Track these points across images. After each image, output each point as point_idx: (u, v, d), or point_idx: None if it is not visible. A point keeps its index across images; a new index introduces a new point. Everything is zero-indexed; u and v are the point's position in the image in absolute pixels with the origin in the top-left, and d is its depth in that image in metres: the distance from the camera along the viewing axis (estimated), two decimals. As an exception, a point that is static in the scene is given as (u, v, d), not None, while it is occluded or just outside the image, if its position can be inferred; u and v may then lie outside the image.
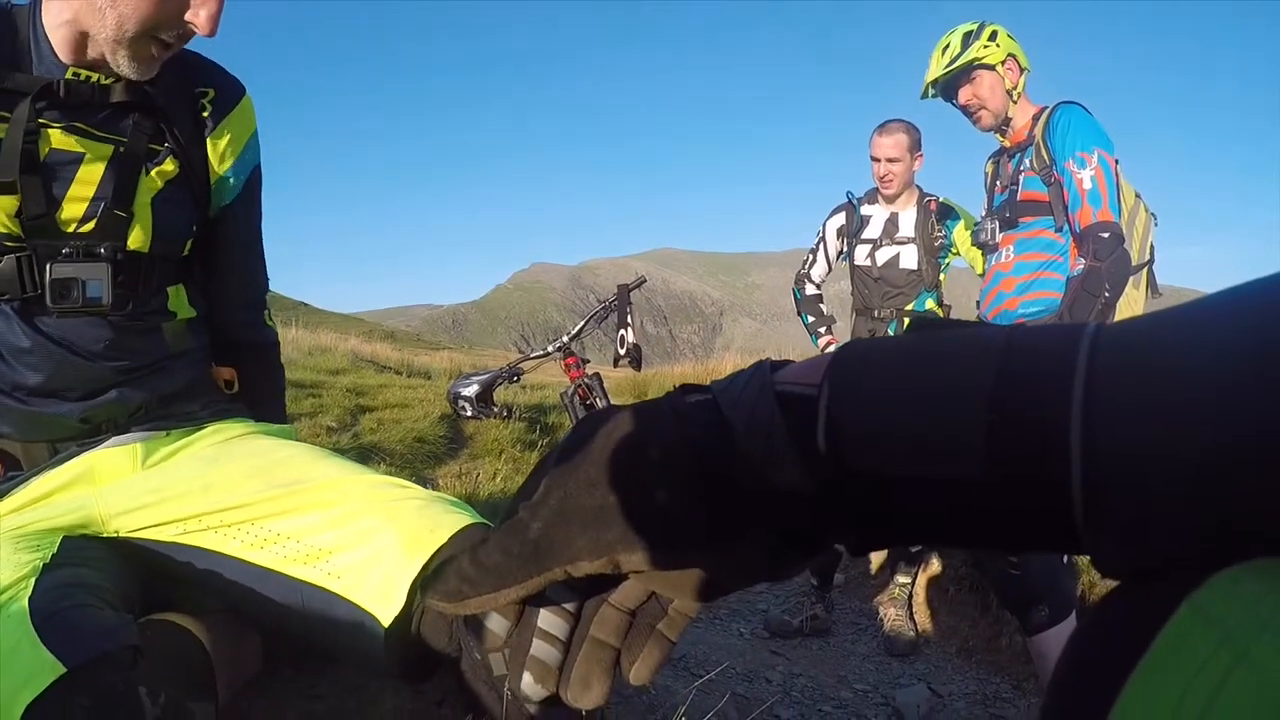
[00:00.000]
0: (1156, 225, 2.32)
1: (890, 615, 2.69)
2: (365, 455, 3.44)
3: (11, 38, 1.01)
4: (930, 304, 2.81)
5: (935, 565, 2.94)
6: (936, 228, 2.73)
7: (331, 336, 9.64)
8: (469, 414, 3.70)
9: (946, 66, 2.27)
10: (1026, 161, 2.25)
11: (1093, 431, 0.25)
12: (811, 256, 3.00)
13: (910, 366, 0.30)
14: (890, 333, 2.72)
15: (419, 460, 3.75)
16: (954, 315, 2.12)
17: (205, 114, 1.15)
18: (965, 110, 2.32)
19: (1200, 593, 0.23)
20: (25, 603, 0.79)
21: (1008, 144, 2.34)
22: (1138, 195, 2.25)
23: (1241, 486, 0.23)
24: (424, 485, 1.05)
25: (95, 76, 1.03)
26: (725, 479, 0.32)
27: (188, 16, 0.98)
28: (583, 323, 3.55)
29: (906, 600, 2.75)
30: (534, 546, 0.34)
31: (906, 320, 2.70)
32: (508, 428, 4.24)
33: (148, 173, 1.08)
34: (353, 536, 0.95)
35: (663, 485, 0.32)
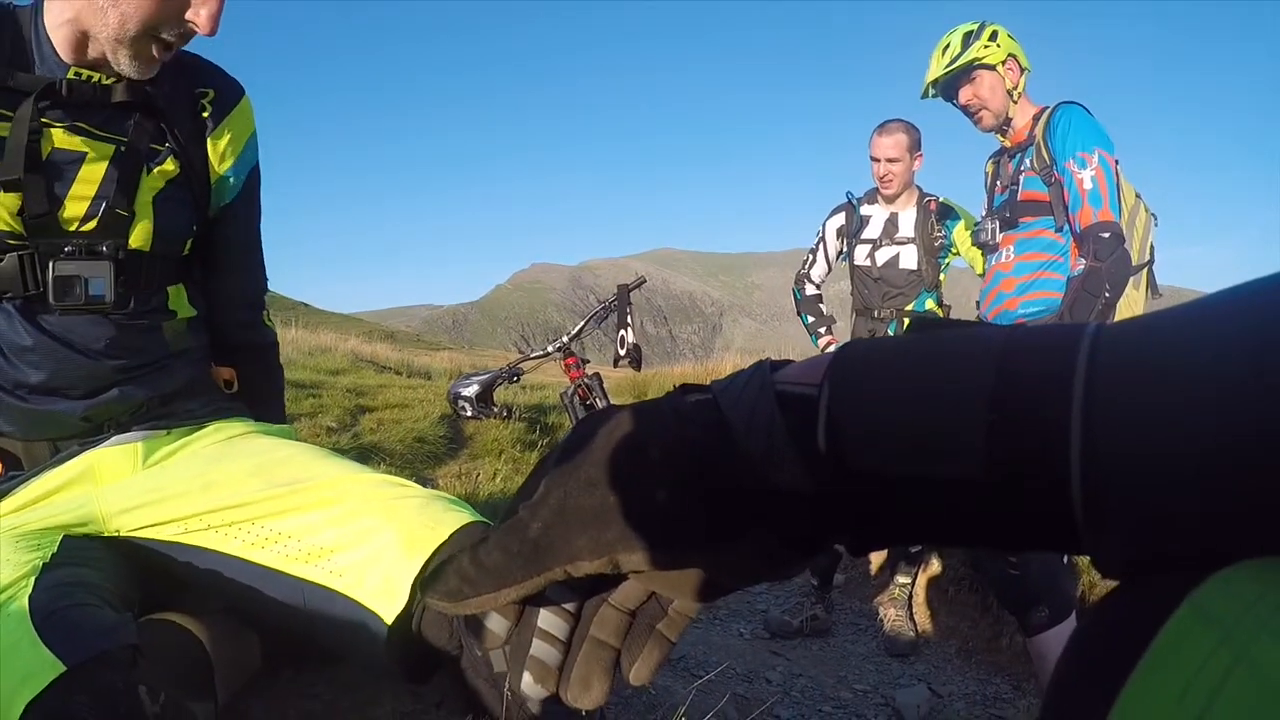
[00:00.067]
0: (1157, 225, 2.32)
1: (890, 616, 2.69)
2: (365, 455, 3.44)
3: (14, 37, 1.02)
4: (930, 304, 2.81)
5: (935, 566, 2.94)
6: (936, 228, 2.73)
7: (331, 337, 9.64)
8: (469, 414, 3.70)
9: (947, 66, 2.27)
10: (1027, 161, 2.25)
11: (1093, 431, 0.25)
12: (811, 257, 3.00)
13: (910, 366, 0.30)
14: (890, 333, 2.72)
15: (419, 460, 3.75)
16: (954, 315, 2.12)
17: (205, 114, 1.15)
18: (966, 110, 2.32)
19: (1200, 592, 0.23)
20: (25, 601, 0.79)
21: (1008, 144, 2.34)
22: (1138, 195, 2.25)
23: (1241, 487, 0.23)
24: (424, 485, 1.05)
25: (97, 76, 1.04)
26: (725, 479, 0.32)
27: (188, 16, 0.99)
28: (583, 323, 3.55)
29: (906, 601, 2.75)
30: (534, 546, 0.34)
31: (906, 320, 2.70)
32: (508, 428, 4.24)
33: (149, 172, 1.08)
34: (353, 535, 0.95)
35: (663, 485, 0.32)
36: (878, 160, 2.71)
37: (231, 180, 1.21)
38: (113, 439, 1.06)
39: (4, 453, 1.04)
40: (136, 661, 0.77)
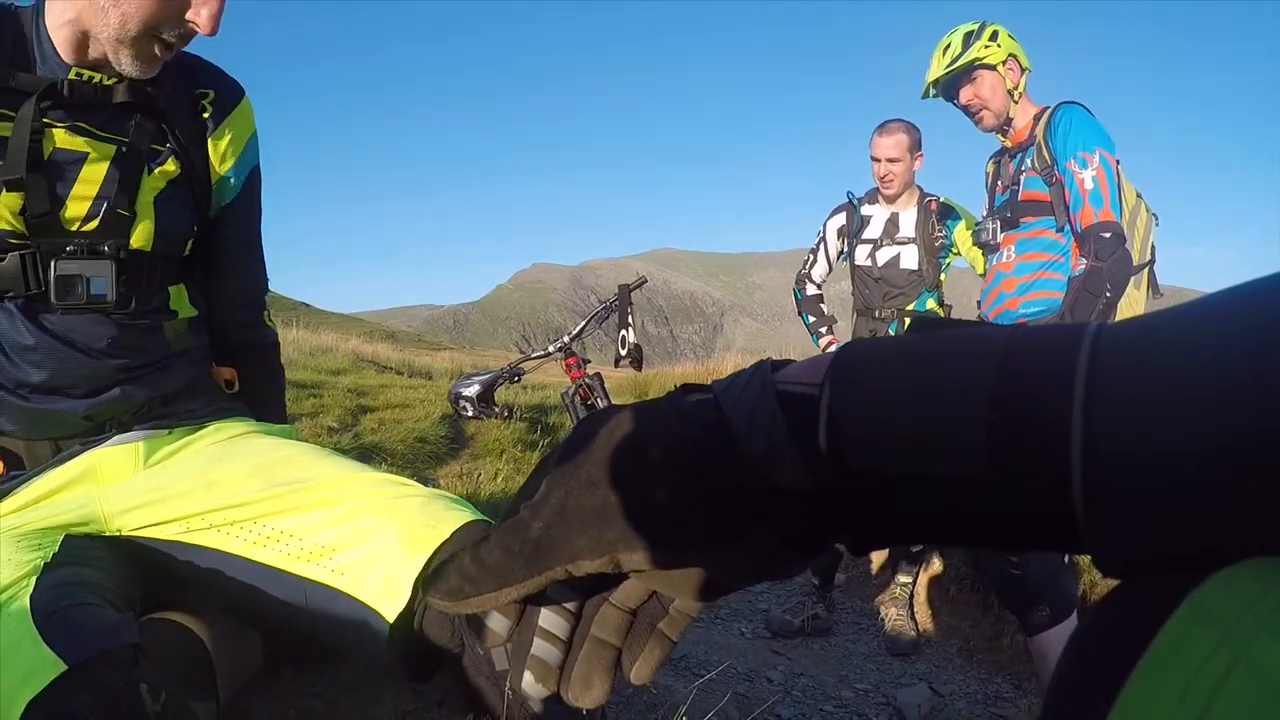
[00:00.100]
0: (1158, 225, 2.31)
1: (891, 615, 2.69)
2: (366, 455, 3.44)
3: (15, 37, 1.02)
4: (931, 304, 2.81)
5: (936, 565, 2.94)
6: (937, 228, 2.73)
7: (332, 337, 9.64)
8: (470, 414, 3.70)
9: (948, 66, 2.27)
10: (1028, 161, 2.25)
11: (1094, 431, 0.25)
12: (812, 257, 2.99)
13: (911, 366, 0.30)
14: (891, 333, 2.72)
15: (420, 460, 3.76)
16: (955, 315, 2.12)
17: (206, 115, 1.16)
18: (966, 110, 2.32)
19: (1200, 592, 0.23)
20: (26, 601, 0.79)
21: (1009, 144, 2.33)
22: (1139, 195, 2.24)
23: (1241, 487, 0.23)
24: (425, 485, 1.05)
25: (98, 77, 1.04)
26: (726, 478, 0.32)
27: (189, 16, 0.99)
28: (584, 323, 3.55)
29: (908, 600, 2.75)
30: (535, 545, 0.34)
31: (907, 320, 2.69)
32: (509, 428, 4.24)
33: (150, 172, 1.09)
34: (355, 534, 0.95)
35: (663, 485, 0.32)
36: (878, 160, 2.71)
37: (232, 180, 1.21)
38: (114, 438, 1.07)
39: (6, 452, 1.05)
40: (138, 660, 0.77)
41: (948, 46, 2.29)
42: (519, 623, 0.39)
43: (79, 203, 1.03)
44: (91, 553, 0.96)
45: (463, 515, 0.96)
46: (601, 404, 3.34)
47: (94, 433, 1.07)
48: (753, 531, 0.32)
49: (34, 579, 0.83)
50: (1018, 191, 2.27)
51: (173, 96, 1.12)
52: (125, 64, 1.01)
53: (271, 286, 1.38)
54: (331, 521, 0.97)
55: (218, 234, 1.23)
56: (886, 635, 2.64)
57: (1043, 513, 0.27)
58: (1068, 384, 0.26)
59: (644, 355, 3.45)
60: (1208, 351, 0.24)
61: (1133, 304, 2.16)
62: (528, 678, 0.38)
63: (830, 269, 2.99)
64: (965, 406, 0.28)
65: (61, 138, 1.02)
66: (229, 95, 1.19)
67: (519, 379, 3.80)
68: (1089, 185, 2.07)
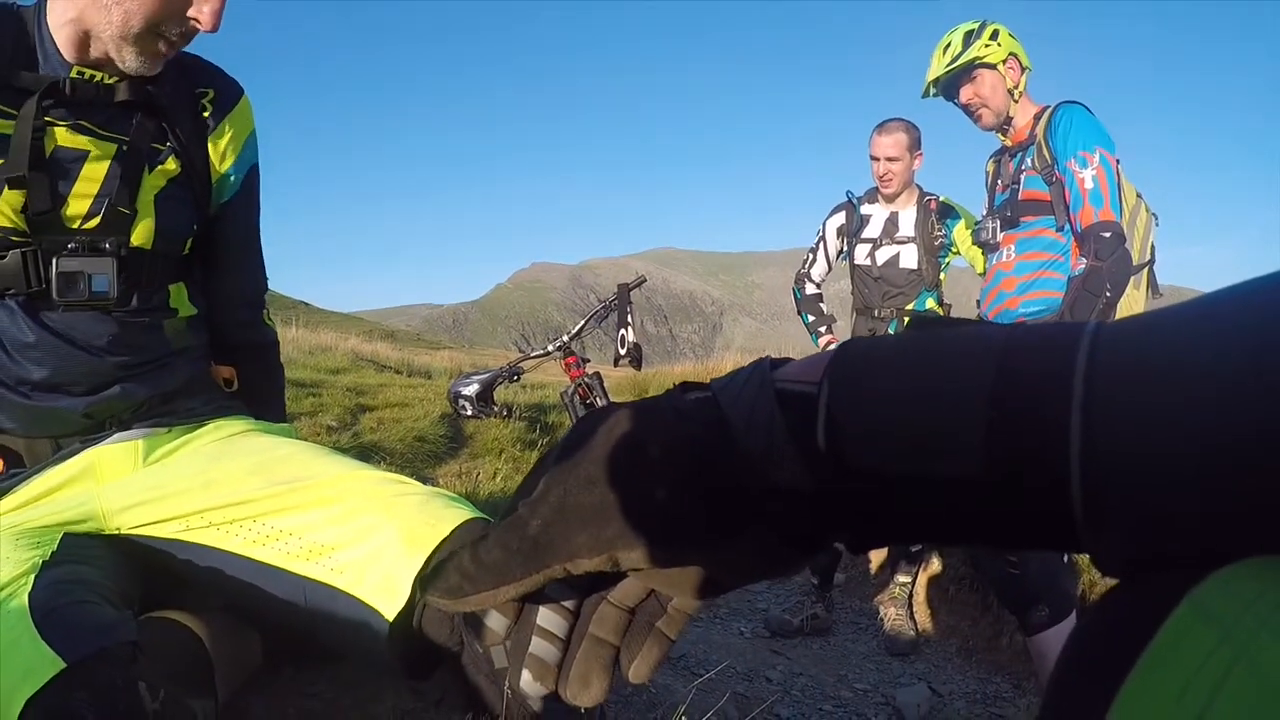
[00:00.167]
0: (1157, 225, 2.31)
1: (890, 615, 2.69)
2: (365, 454, 3.44)
3: (18, 36, 1.02)
4: (930, 303, 2.81)
5: (935, 565, 2.94)
6: (937, 227, 2.73)
7: (332, 336, 9.64)
8: (469, 413, 3.69)
9: (948, 65, 2.26)
10: (1028, 161, 2.25)
11: (1093, 430, 0.25)
12: (811, 256, 2.99)
13: (910, 364, 0.30)
14: (890, 332, 2.72)
15: (419, 459, 3.76)
16: (955, 314, 2.12)
17: (206, 114, 1.16)
18: (966, 109, 2.32)
19: (1199, 591, 0.23)
20: (25, 599, 0.79)
21: (1009, 143, 2.33)
22: (1139, 195, 2.24)
23: (1241, 486, 0.23)
24: (424, 484, 1.05)
25: (100, 76, 1.05)
26: (725, 476, 0.31)
27: (191, 12, 0.99)
28: (583, 322, 3.55)
29: (907, 600, 2.75)
30: (534, 543, 0.34)
31: (906, 320, 2.69)
32: (508, 427, 4.24)
33: (151, 171, 1.09)
34: (354, 533, 0.95)
35: (662, 483, 0.32)
36: (877, 159, 2.71)
37: (232, 178, 1.21)
38: (114, 436, 1.07)
39: (6, 450, 1.05)
40: (136, 658, 0.77)
41: (948, 45, 2.29)
42: (517, 621, 0.39)
43: (80, 201, 1.03)
44: (90, 551, 0.96)
45: (462, 513, 0.96)
46: (600, 403, 3.34)
47: (94, 430, 1.07)
48: (751, 530, 0.32)
49: (33, 577, 0.83)
50: (1018, 191, 2.27)
51: (173, 96, 1.12)
52: (128, 62, 1.02)
53: (271, 285, 1.38)
54: (331, 520, 0.97)
55: (217, 232, 1.23)
56: (885, 635, 2.64)
57: (1042, 512, 0.27)
58: (1067, 383, 0.26)
59: (643, 354, 3.45)
60: (1207, 350, 0.24)
61: (1132, 304, 2.16)
62: (526, 676, 0.38)
63: (829, 268, 2.99)
64: (964, 405, 0.28)
65: (63, 136, 1.02)
66: (228, 94, 1.20)
67: (518, 378, 3.79)
68: (1089, 185, 2.07)
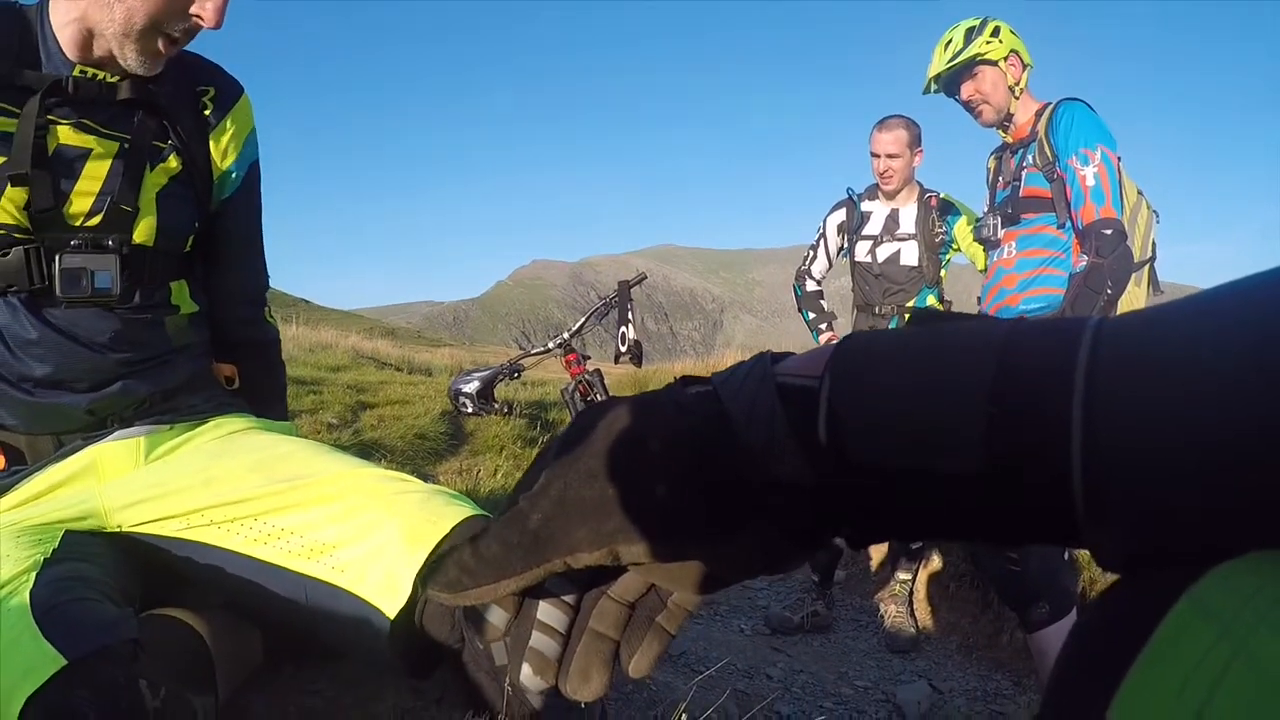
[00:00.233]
0: (1158, 222, 2.31)
1: (891, 612, 2.69)
2: (366, 452, 3.44)
3: (21, 35, 1.03)
4: (931, 300, 2.81)
5: (936, 562, 2.94)
6: (937, 224, 2.72)
7: (332, 333, 9.65)
8: (470, 410, 3.70)
9: (949, 61, 2.26)
10: (1029, 158, 2.24)
11: (1095, 425, 0.25)
12: (812, 253, 2.99)
13: (911, 359, 0.30)
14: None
15: (420, 457, 3.76)
16: (955, 311, 2.12)
17: (207, 111, 1.17)
18: (967, 106, 2.32)
19: (1199, 586, 0.23)
20: (26, 596, 0.79)
21: (1010, 140, 2.33)
22: (1140, 192, 2.24)
23: (1242, 482, 0.23)
24: (425, 481, 1.05)
25: (102, 74, 1.05)
26: (725, 471, 0.31)
27: (193, 10, 0.99)
28: (584, 319, 3.56)
29: (907, 597, 2.75)
30: (534, 537, 0.34)
31: (907, 317, 2.69)
32: (508, 424, 4.24)
33: (152, 169, 1.10)
34: (355, 531, 0.95)
35: (663, 477, 0.32)
36: (878, 156, 2.71)
37: (233, 175, 1.22)
38: (116, 434, 1.07)
39: (7, 447, 1.05)
40: (137, 656, 0.77)
41: (949, 42, 2.28)
42: (517, 616, 0.39)
43: (83, 198, 1.03)
44: (91, 549, 0.96)
45: (463, 510, 0.96)
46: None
47: (96, 427, 1.07)
48: (752, 524, 0.32)
49: (34, 574, 0.83)
50: (1019, 188, 2.27)
51: (174, 94, 1.13)
52: (130, 60, 1.02)
53: (271, 283, 1.38)
54: (332, 518, 0.97)
55: (218, 228, 1.24)
56: (886, 632, 2.64)
57: (1043, 507, 0.27)
58: (1068, 377, 0.26)
59: (644, 351, 3.45)
60: (1208, 346, 0.24)
61: (1133, 301, 2.16)
62: (526, 670, 0.38)
63: (830, 265, 2.98)
64: (965, 400, 0.28)
65: (66, 134, 1.02)
66: (229, 92, 1.20)
67: (519, 375, 3.80)
68: (1090, 182, 2.06)
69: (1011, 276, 2.27)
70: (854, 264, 2.88)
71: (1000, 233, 2.32)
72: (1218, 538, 0.24)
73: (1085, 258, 2.06)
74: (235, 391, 1.28)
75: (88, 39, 1.02)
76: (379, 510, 0.96)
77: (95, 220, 1.04)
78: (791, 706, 1.99)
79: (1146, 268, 2.26)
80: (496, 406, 3.78)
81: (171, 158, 1.12)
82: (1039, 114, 2.24)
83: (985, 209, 2.46)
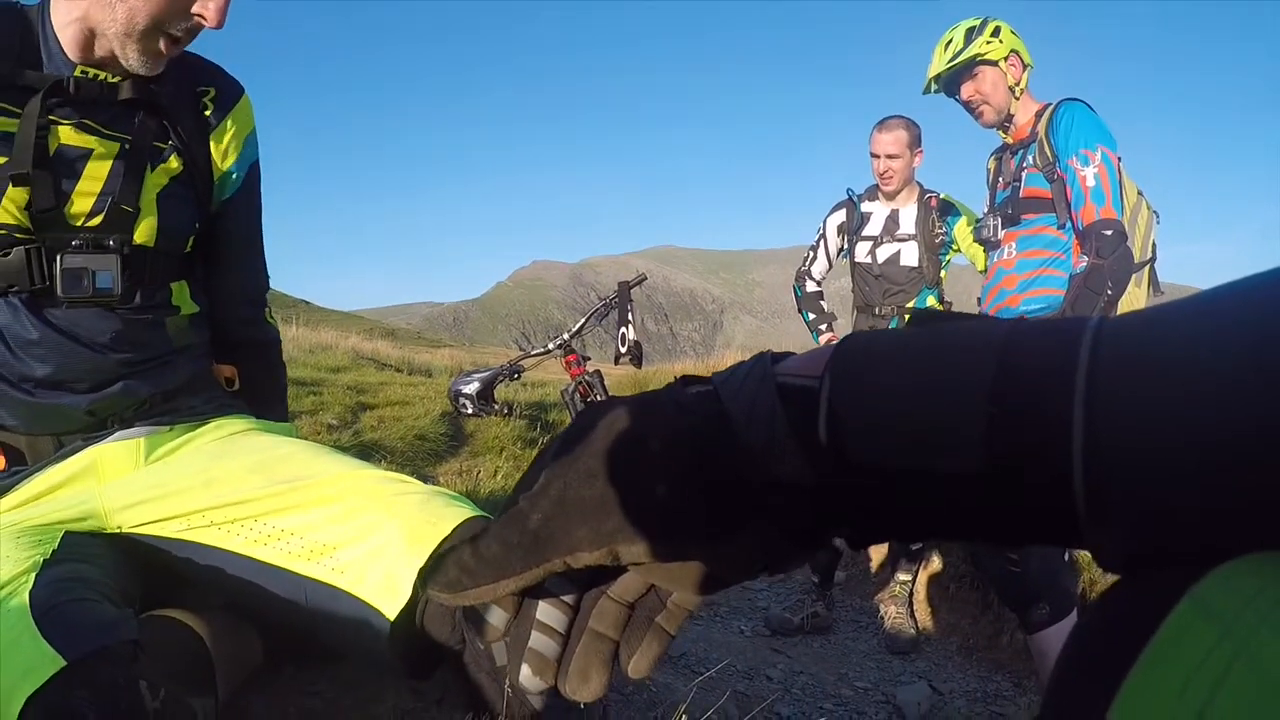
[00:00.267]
0: (1159, 223, 2.31)
1: (891, 613, 2.69)
2: (366, 453, 3.44)
3: (22, 35, 1.03)
4: (931, 301, 2.81)
5: (936, 563, 2.94)
6: (937, 224, 2.72)
7: (332, 334, 9.65)
8: (470, 411, 3.70)
9: (949, 62, 2.26)
10: (1029, 158, 2.24)
11: (1096, 425, 0.25)
12: (812, 253, 2.99)
13: (911, 359, 0.30)
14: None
15: (420, 458, 3.76)
16: (955, 312, 2.12)
17: (207, 112, 1.17)
18: (967, 106, 2.32)
19: (1200, 587, 0.23)
20: (26, 597, 0.79)
21: (1010, 140, 2.33)
22: (1140, 193, 2.24)
23: (1242, 481, 0.23)
24: (425, 482, 1.05)
25: (103, 75, 1.05)
26: (726, 470, 0.31)
27: (195, 9, 0.99)
28: (584, 320, 3.56)
29: (907, 598, 2.75)
30: (533, 537, 0.34)
31: (907, 317, 2.69)
32: (508, 425, 4.24)
33: (153, 169, 1.10)
34: (355, 532, 0.95)
35: (663, 476, 0.32)
36: (878, 156, 2.71)
37: (234, 175, 1.22)
38: (116, 434, 1.07)
39: (8, 447, 1.05)
40: (137, 657, 0.77)
41: (949, 42, 2.28)
42: (517, 616, 0.39)
43: (84, 198, 1.04)
44: (91, 550, 0.96)
45: (463, 511, 0.96)
46: (601, 401, 3.33)
47: (96, 428, 1.07)
48: (752, 524, 0.32)
49: (33, 575, 0.83)
50: (1019, 188, 2.27)
51: (175, 94, 1.13)
52: (132, 60, 1.02)
53: (272, 284, 1.38)
54: (332, 519, 0.97)
55: (219, 229, 1.24)
56: (886, 633, 2.64)
57: (1043, 507, 0.27)
58: (1069, 377, 0.26)
59: (644, 352, 3.45)
60: (1208, 346, 0.24)
61: (1133, 301, 2.16)
62: (525, 670, 0.38)
63: (830, 266, 2.98)
64: (965, 400, 0.28)
65: (67, 134, 1.02)
66: (229, 92, 1.20)
67: (519, 376, 3.80)
68: (1091, 182, 2.06)
69: (1012, 277, 2.27)
70: (854, 265, 2.87)
71: (1000, 233, 2.32)
72: (1217, 538, 0.24)
73: (1085, 258, 2.06)
74: (235, 392, 1.28)
75: (89, 39, 1.02)
76: (379, 511, 0.96)
77: (96, 220, 1.04)
78: (791, 708, 1.99)
79: (1147, 268, 2.26)
80: (496, 407, 3.78)
81: (172, 158, 1.12)
82: (1039, 114, 2.24)
83: (985, 210, 2.46)
